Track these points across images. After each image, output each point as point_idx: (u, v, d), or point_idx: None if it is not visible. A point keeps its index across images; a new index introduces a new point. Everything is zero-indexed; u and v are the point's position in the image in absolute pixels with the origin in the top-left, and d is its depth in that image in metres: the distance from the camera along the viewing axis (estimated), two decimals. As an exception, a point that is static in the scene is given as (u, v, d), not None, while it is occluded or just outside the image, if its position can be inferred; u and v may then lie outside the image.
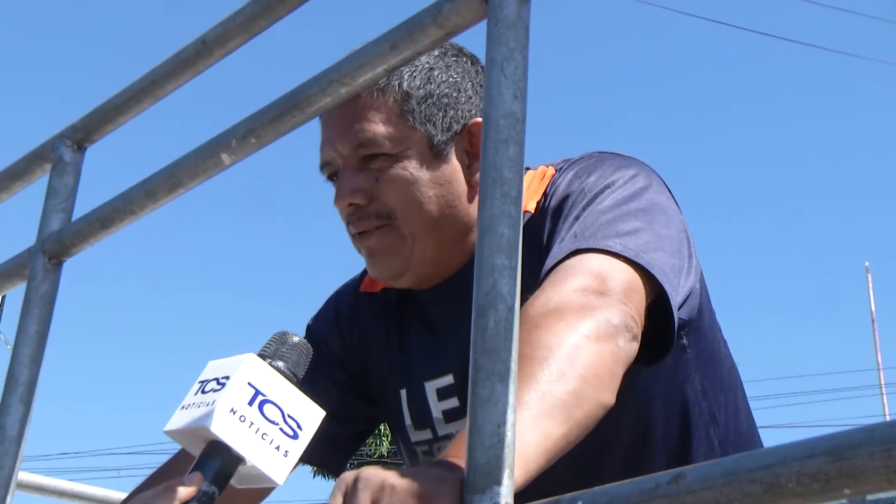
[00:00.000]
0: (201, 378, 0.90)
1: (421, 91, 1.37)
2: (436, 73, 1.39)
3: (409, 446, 1.49)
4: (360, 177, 1.35)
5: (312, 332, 1.61)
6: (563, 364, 0.98)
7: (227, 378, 0.87)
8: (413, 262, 1.38)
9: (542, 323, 1.03)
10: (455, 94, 1.40)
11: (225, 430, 0.84)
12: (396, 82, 1.36)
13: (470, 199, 1.40)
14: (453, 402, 1.42)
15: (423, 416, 1.46)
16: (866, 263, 19.66)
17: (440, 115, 1.37)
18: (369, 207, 1.36)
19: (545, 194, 1.36)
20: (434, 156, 1.37)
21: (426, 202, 1.35)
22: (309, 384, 1.55)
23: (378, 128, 1.35)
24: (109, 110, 0.98)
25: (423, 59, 1.38)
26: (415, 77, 1.37)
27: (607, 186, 1.29)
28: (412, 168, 1.35)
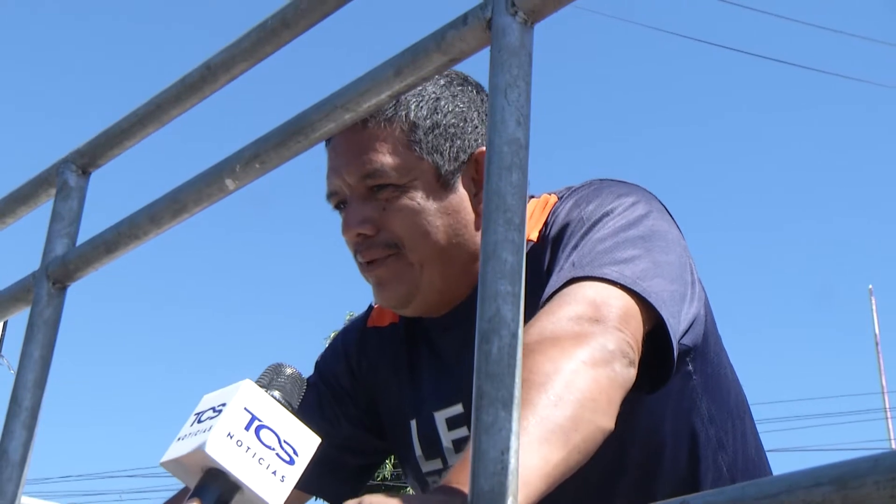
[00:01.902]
0: (197, 410, 0.90)
1: (428, 121, 1.37)
2: (442, 102, 1.39)
3: (420, 477, 1.49)
4: (367, 207, 1.36)
5: (321, 368, 1.61)
6: (560, 389, 0.99)
7: (224, 405, 0.87)
8: (420, 291, 1.38)
9: (537, 350, 1.03)
10: (461, 124, 1.40)
11: (221, 453, 0.84)
12: (403, 112, 1.36)
13: (477, 228, 1.39)
14: (463, 432, 1.41)
15: (433, 447, 1.45)
16: (870, 286, 19.62)
17: (447, 144, 1.37)
18: (377, 237, 1.36)
19: (546, 223, 1.36)
20: (441, 185, 1.37)
21: (434, 231, 1.35)
22: (320, 418, 1.56)
23: (385, 158, 1.35)
24: (114, 135, 0.99)
25: (430, 88, 1.38)
26: (421, 107, 1.37)
27: (606, 214, 1.29)
28: (419, 198, 1.35)
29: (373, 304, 1.62)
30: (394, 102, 1.33)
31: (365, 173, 1.35)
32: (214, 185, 0.85)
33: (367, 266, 1.38)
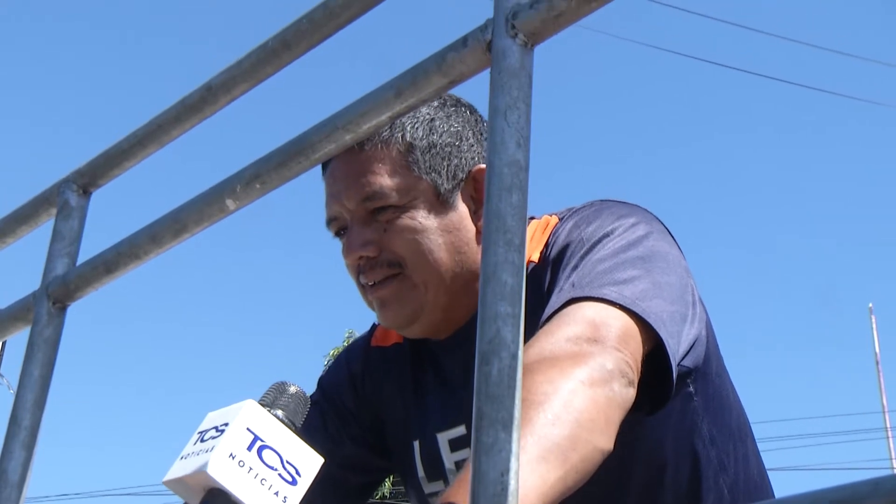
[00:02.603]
0: (200, 429, 0.90)
1: (424, 141, 1.38)
2: (437, 123, 1.40)
3: (423, 498, 1.49)
4: (368, 229, 1.36)
5: (325, 387, 1.61)
6: (558, 409, 0.99)
7: (227, 425, 0.87)
8: (425, 310, 1.38)
9: (536, 369, 1.04)
10: (457, 143, 1.41)
11: (223, 474, 0.85)
12: (399, 134, 1.37)
13: (478, 243, 1.40)
14: (465, 454, 1.42)
15: (435, 468, 1.46)
16: (870, 304, 19.60)
17: (444, 163, 1.38)
18: (380, 258, 1.36)
19: (547, 244, 1.37)
20: (441, 204, 1.38)
21: (436, 250, 1.36)
22: (323, 436, 1.56)
23: (384, 180, 1.36)
24: (115, 155, 0.99)
25: (424, 110, 1.40)
26: (417, 128, 1.38)
27: (606, 235, 1.30)
28: (420, 217, 1.36)
29: (376, 324, 1.62)
30: (389, 125, 1.35)
31: (365, 196, 1.35)
32: (215, 206, 0.85)
33: (370, 288, 1.38)
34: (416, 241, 1.35)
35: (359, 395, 1.58)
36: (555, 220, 1.41)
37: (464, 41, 0.67)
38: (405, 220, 1.35)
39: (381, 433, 1.57)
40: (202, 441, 0.88)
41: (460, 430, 1.42)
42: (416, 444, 1.48)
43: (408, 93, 0.72)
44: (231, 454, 0.86)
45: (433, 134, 1.39)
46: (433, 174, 1.37)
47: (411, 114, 1.37)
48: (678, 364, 1.22)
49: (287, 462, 0.89)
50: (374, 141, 1.36)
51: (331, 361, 1.71)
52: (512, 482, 0.58)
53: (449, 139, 1.40)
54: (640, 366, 1.14)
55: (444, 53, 0.69)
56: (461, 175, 1.40)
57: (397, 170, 1.36)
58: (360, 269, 1.38)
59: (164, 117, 0.96)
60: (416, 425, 1.49)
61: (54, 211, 1.03)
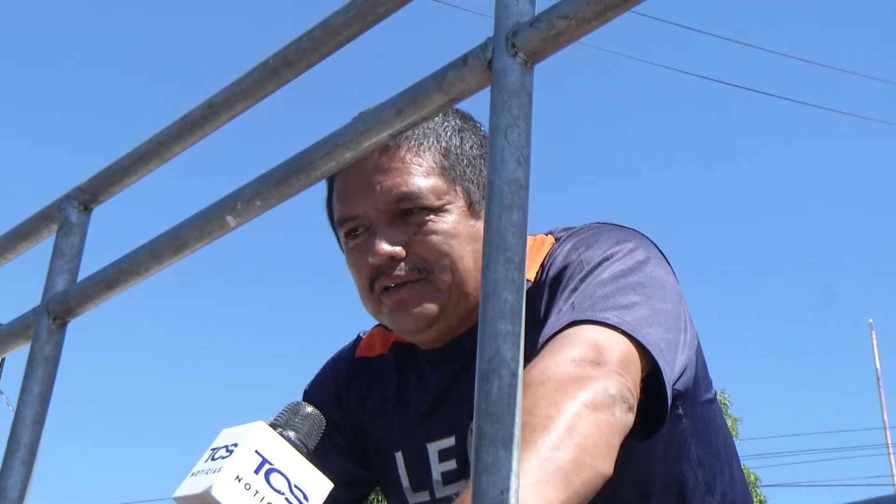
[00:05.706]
0: (213, 445, 0.90)
1: (457, 149, 1.38)
2: (466, 134, 1.41)
3: None
4: (397, 230, 1.34)
5: (310, 398, 1.61)
6: (562, 432, 0.99)
7: (236, 445, 0.87)
8: (444, 315, 1.37)
9: (540, 391, 1.04)
10: (483, 154, 1.41)
11: (228, 496, 0.85)
12: (433, 137, 1.36)
13: None
14: (451, 465, 1.42)
15: (422, 478, 1.46)
16: (870, 320, 19.59)
17: (476, 172, 1.38)
18: (406, 260, 1.35)
19: (543, 265, 1.37)
20: (472, 213, 1.37)
21: (465, 256, 1.35)
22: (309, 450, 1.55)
23: (421, 181, 1.34)
24: (116, 172, 0.99)
25: (451, 121, 1.40)
26: (451, 137, 1.38)
27: (605, 259, 1.30)
28: (453, 222, 1.35)
29: (360, 335, 1.62)
30: (420, 129, 1.33)
31: (400, 196, 1.33)
32: (216, 223, 0.85)
33: (388, 291, 1.35)
34: (447, 245, 1.33)
35: (343, 407, 1.57)
36: (551, 239, 1.41)
37: (464, 60, 0.68)
38: (439, 223, 1.33)
39: (365, 445, 1.57)
40: (213, 459, 0.88)
41: (449, 442, 1.42)
42: (399, 455, 1.48)
43: (408, 111, 0.72)
44: (238, 476, 0.85)
45: (465, 143, 1.39)
46: (466, 182, 1.37)
47: (438, 122, 1.36)
48: (671, 390, 1.23)
49: (295, 486, 0.89)
50: (409, 143, 1.34)
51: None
52: (512, 500, 0.58)
53: (477, 151, 1.40)
54: (638, 391, 1.15)
55: (445, 72, 0.69)
56: None
57: (434, 172, 1.34)
58: (381, 271, 1.35)
59: (165, 134, 0.96)
60: (398, 436, 1.49)
61: (55, 227, 1.03)
